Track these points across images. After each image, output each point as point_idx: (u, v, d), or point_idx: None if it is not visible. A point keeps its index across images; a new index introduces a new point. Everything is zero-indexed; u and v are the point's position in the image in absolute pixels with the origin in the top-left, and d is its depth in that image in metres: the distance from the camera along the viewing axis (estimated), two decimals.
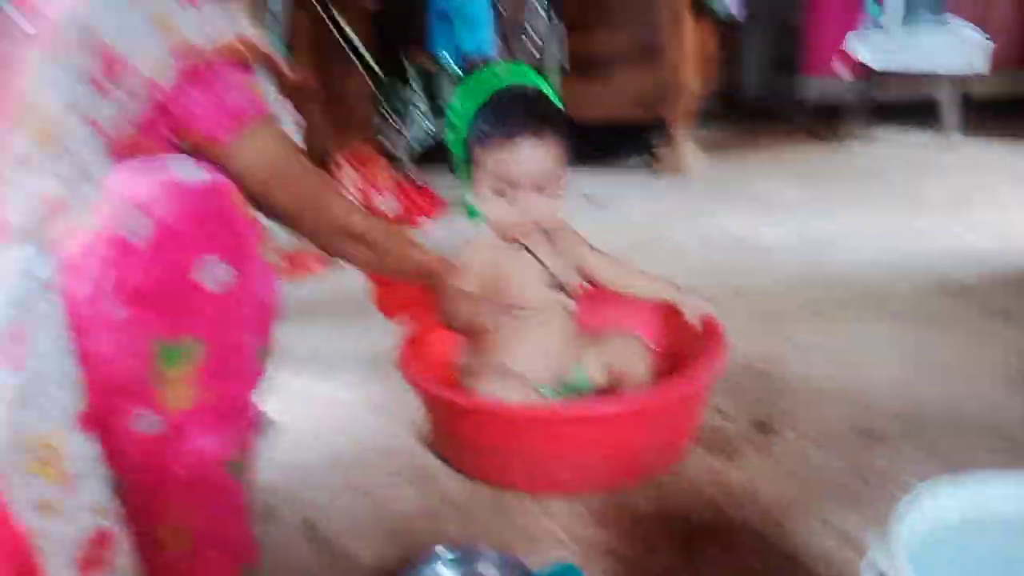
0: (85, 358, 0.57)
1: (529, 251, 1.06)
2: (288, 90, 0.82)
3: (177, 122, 0.68)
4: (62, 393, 0.56)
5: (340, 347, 1.47)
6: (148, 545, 0.61)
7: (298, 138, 0.84)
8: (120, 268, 0.57)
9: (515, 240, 1.07)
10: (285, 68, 0.80)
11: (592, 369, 1.11)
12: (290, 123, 0.81)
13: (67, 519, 0.57)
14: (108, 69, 0.65)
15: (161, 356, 0.58)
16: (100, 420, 0.58)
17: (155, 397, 0.58)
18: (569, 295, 1.10)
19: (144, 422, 0.59)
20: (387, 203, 2.17)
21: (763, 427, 1.10)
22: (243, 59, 0.71)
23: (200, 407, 0.60)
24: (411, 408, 1.21)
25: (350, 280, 1.19)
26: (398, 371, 1.06)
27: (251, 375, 0.66)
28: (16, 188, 0.65)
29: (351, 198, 2.11)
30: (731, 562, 0.84)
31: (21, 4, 0.72)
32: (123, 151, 0.67)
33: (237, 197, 0.64)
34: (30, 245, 0.62)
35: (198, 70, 0.67)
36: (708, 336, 1.11)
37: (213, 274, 0.59)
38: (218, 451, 0.62)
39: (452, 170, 1.12)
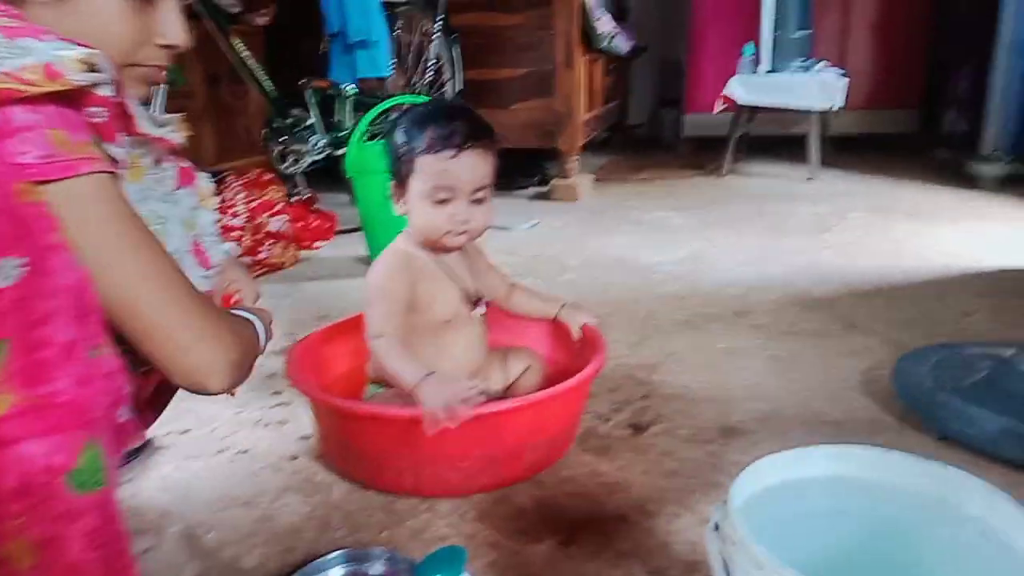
0: None
1: (447, 263, 1.08)
2: (182, 102, 0.75)
3: None
4: None
5: None
6: None
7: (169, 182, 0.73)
8: None
9: (442, 249, 1.07)
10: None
11: (493, 381, 1.16)
12: (178, 135, 0.74)
13: None
14: None
15: None
16: None
17: None
18: (481, 308, 1.13)
19: None
20: (280, 225, 2.15)
21: (637, 428, 1.19)
22: (68, 92, 0.56)
23: (19, 410, 0.53)
24: (300, 422, 1.22)
25: None
26: (287, 385, 1.07)
27: (85, 376, 0.57)
28: None
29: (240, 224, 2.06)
30: (606, 548, 0.90)
31: None
32: None
33: (21, 185, 0.54)
34: None
35: None
36: (588, 345, 1.18)
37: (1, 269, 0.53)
38: (50, 459, 0.55)
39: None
